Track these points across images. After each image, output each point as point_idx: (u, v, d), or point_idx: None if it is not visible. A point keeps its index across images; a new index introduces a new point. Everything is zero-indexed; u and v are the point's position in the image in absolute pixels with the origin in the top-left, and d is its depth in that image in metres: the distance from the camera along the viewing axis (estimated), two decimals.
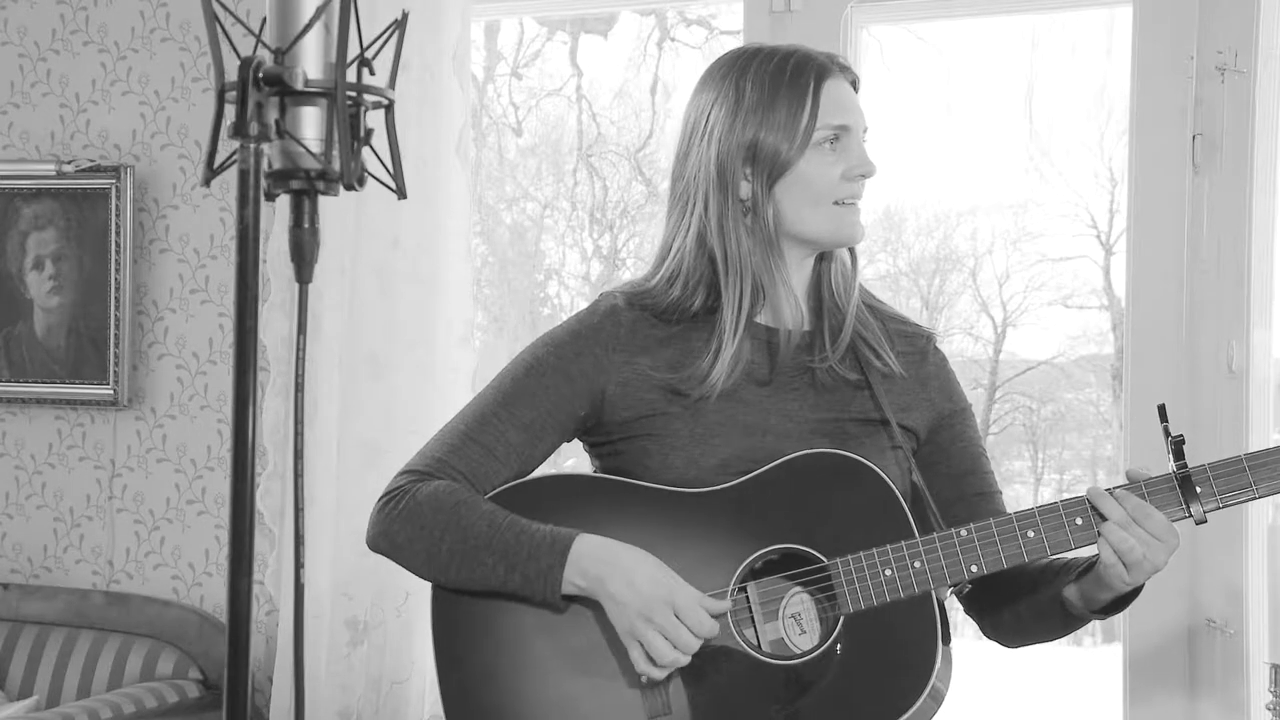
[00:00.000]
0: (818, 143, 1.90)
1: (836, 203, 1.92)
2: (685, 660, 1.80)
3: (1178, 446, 1.78)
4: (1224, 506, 1.78)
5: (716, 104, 1.93)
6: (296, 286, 1.25)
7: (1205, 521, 1.77)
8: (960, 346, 5.68)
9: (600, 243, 5.09)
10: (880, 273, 5.29)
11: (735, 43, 3.62)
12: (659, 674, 1.81)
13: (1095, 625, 5.53)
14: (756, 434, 1.92)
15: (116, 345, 3.52)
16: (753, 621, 1.86)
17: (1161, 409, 1.82)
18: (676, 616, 1.79)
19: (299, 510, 1.27)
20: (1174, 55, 2.80)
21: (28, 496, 3.65)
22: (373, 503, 1.97)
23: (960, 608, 2.04)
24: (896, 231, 5.43)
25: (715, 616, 1.81)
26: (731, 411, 1.92)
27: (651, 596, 1.79)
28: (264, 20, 1.24)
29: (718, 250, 1.93)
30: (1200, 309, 2.80)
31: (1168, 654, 2.78)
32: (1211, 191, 2.79)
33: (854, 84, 1.96)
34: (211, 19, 1.23)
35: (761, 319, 1.97)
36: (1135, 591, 1.84)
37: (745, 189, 1.92)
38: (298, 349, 1.25)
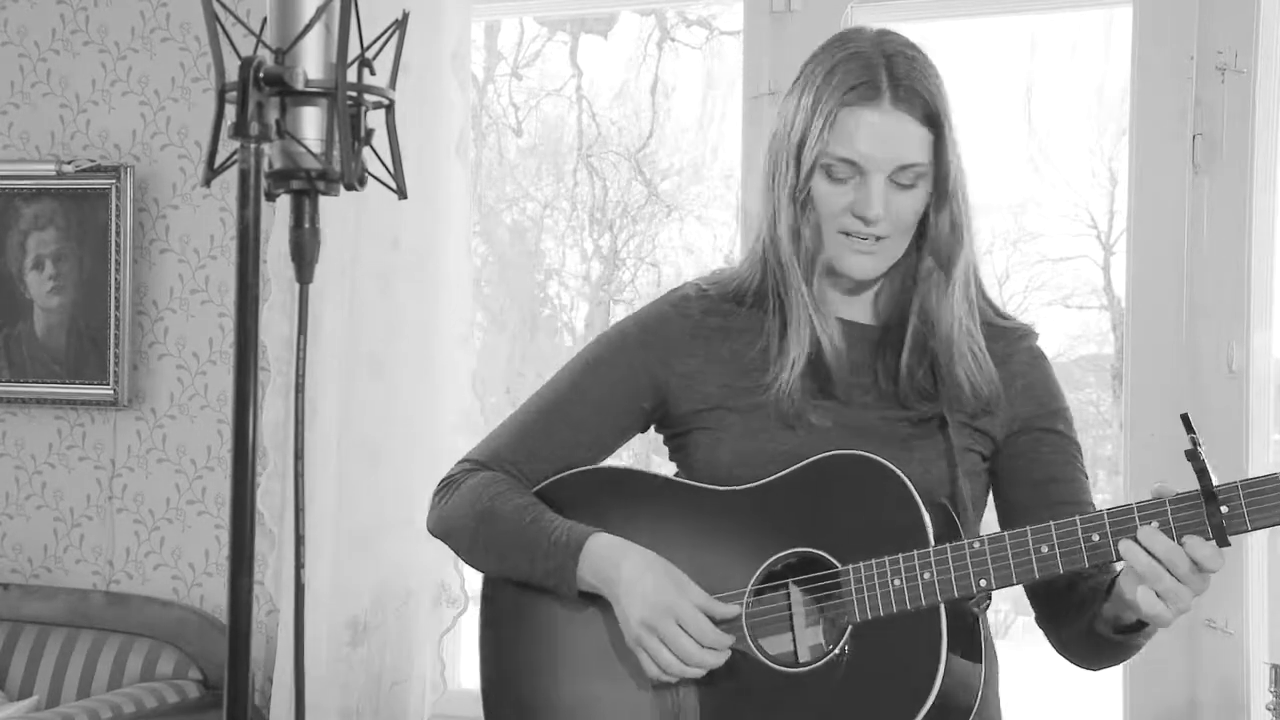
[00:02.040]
0: (822, 167, 1.81)
1: (841, 231, 1.83)
2: (695, 673, 1.77)
3: (1203, 464, 1.65)
4: (1252, 530, 1.68)
5: (792, 95, 1.85)
6: (297, 287, 1.25)
7: (1229, 545, 1.67)
8: None
9: (600, 243, 5.08)
10: None
11: (735, 43, 3.62)
12: (671, 680, 1.79)
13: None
14: (803, 431, 1.84)
15: (116, 345, 3.52)
16: (771, 625, 1.81)
17: (1185, 419, 1.69)
18: (680, 626, 1.76)
19: (299, 510, 1.27)
20: (1174, 55, 2.80)
21: (28, 496, 3.65)
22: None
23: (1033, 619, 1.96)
24: None
25: (725, 621, 1.78)
26: (784, 408, 1.85)
27: (655, 605, 1.77)
28: (264, 20, 1.24)
29: (770, 256, 1.88)
30: (1200, 309, 2.80)
31: (1168, 654, 2.78)
32: (1211, 191, 2.78)
33: (920, 112, 1.78)
34: (211, 19, 1.23)
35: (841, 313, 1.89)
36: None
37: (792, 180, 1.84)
38: (298, 349, 1.25)
